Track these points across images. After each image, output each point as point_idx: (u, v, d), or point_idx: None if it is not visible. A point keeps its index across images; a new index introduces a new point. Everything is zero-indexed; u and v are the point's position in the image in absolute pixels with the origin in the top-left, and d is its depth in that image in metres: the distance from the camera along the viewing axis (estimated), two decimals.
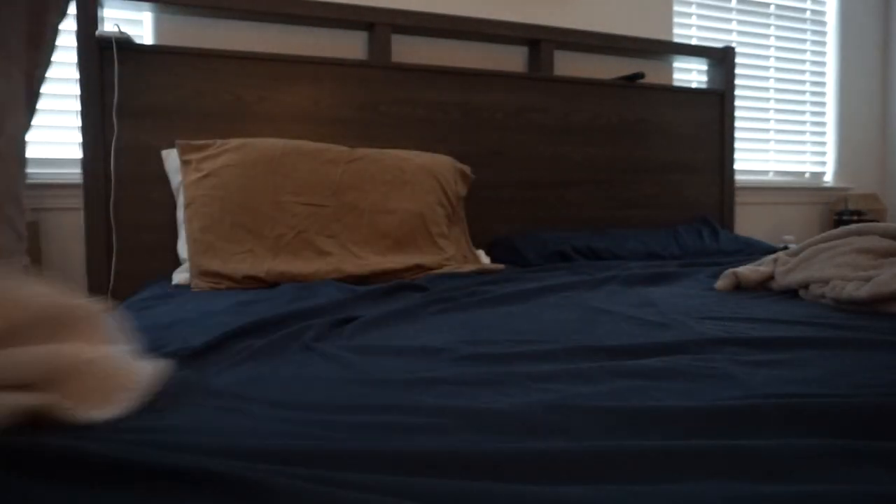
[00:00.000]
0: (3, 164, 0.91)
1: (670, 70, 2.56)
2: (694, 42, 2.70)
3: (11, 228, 0.93)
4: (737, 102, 2.61)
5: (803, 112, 3.04)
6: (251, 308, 1.16)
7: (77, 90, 1.65)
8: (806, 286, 1.26)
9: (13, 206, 0.94)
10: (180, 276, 1.51)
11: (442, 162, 1.84)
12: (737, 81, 2.60)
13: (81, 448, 0.46)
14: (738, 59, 2.61)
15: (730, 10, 2.82)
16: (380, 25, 1.97)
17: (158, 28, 1.85)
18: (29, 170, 1.70)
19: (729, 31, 2.82)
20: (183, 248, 1.59)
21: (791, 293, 1.30)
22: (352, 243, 1.58)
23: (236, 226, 1.51)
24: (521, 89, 2.16)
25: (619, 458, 0.47)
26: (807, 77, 3.04)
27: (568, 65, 2.32)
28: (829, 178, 3.10)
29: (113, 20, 1.79)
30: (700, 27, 2.74)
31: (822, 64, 3.07)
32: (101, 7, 1.70)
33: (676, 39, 2.62)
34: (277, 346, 0.87)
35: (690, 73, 2.66)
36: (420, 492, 0.42)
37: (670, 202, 2.41)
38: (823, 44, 3.06)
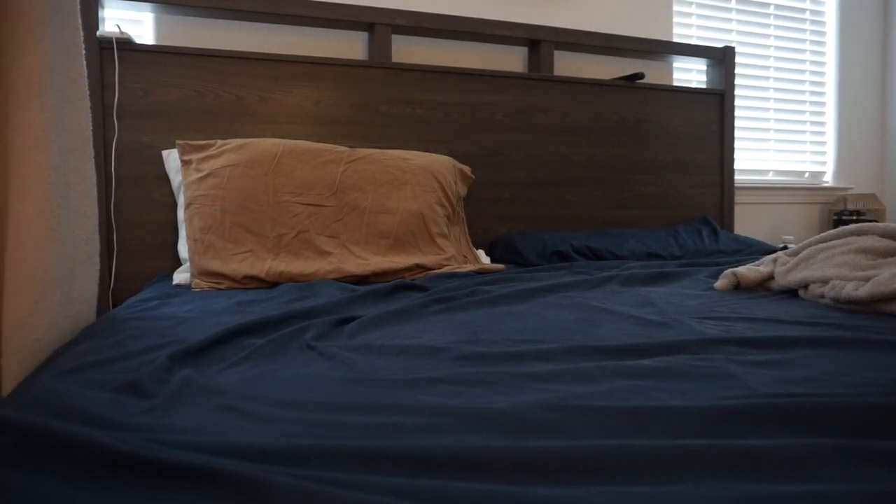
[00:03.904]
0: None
1: (670, 70, 2.57)
2: (694, 42, 2.70)
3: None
4: (737, 102, 2.61)
5: (803, 112, 3.04)
6: (251, 308, 1.16)
7: None
8: (805, 286, 1.26)
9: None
10: (181, 276, 1.51)
11: (442, 162, 1.84)
12: (737, 81, 2.61)
13: (85, 439, 0.47)
14: (737, 59, 2.62)
15: (730, 10, 2.82)
16: (380, 25, 1.97)
17: (158, 28, 1.85)
18: None
19: (729, 31, 2.82)
20: (183, 248, 1.59)
21: (790, 293, 1.30)
22: (352, 243, 1.58)
23: (236, 226, 1.51)
24: (521, 89, 2.16)
25: (619, 458, 0.47)
26: (806, 77, 3.04)
27: (568, 65, 2.32)
28: (828, 178, 3.10)
29: (113, 20, 1.79)
30: (700, 27, 2.74)
31: (822, 64, 3.07)
32: (102, 7, 1.70)
33: (676, 39, 2.62)
34: (278, 346, 0.88)
35: (690, 73, 2.66)
36: (420, 492, 0.42)
37: (670, 202, 2.42)
38: (823, 44, 3.06)
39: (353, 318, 1.04)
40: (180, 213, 1.61)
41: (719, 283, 1.39)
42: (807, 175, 3.07)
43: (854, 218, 2.80)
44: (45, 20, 0.90)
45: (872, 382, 0.66)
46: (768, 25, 2.92)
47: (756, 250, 2.08)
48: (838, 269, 1.19)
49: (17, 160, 0.88)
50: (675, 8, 2.64)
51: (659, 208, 2.40)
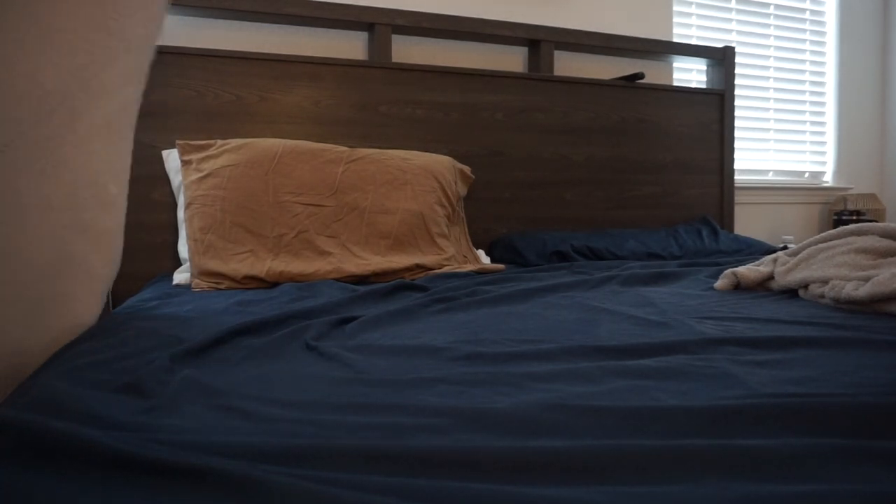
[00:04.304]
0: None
1: (670, 70, 2.57)
2: (694, 42, 2.70)
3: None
4: (737, 102, 2.61)
5: (803, 112, 3.04)
6: (251, 308, 1.16)
7: None
8: (805, 286, 1.26)
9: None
10: (181, 276, 1.51)
11: (442, 162, 1.84)
12: (737, 81, 2.60)
13: (85, 439, 0.47)
14: (737, 59, 2.62)
15: (730, 10, 2.82)
16: (380, 25, 1.97)
17: None
18: None
19: (729, 31, 2.82)
20: (183, 248, 1.59)
21: (790, 293, 1.30)
22: (352, 243, 1.58)
23: (236, 226, 1.51)
24: (521, 89, 2.16)
25: (619, 458, 0.47)
26: (806, 77, 3.04)
27: (568, 65, 2.32)
28: (828, 178, 3.10)
29: None
30: (700, 27, 2.74)
31: (822, 64, 3.07)
32: None
33: (676, 39, 2.62)
34: (278, 346, 0.88)
35: (690, 73, 2.66)
36: (419, 492, 0.42)
37: (670, 202, 2.42)
38: (823, 44, 3.06)
39: (353, 318, 1.04)
40: (180, 213, 1.61)
41: (719, 283, 1.39)
42: (807, 175, 3.07)
43: (854, 218, 2.80)
44: None
45: (872, 382, 0.66)
46: (768, 25, 2.92)
47: (756, 250, 2.08)
48: (838, 269, 1.19)
49: (118, 157, 0.88)
50: (675, 8, 2.64)
51: (659, 208, 2.39)
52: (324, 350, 0.84)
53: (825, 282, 1.20)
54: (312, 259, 1.52)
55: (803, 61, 3.02)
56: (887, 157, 3.18)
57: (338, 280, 1.46)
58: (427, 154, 1.85)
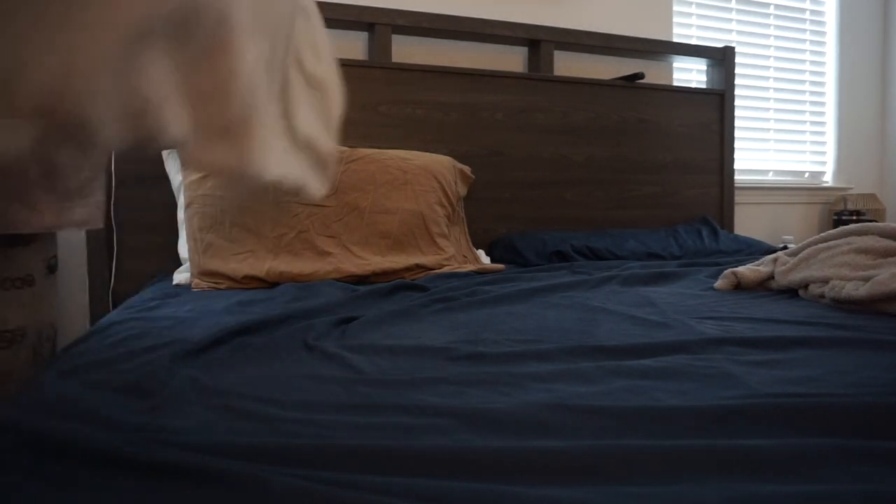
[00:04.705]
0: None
1: (670, 70, 2.56)
2: (694, 42, 2.70)
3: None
4: (737, 102, 2.61)
5: (803, 112, 3.04)
6: (251, 308, 1.16)
7: None
8: (805, 286, 1.26)
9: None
10: (181, 276, 1.51)
11: (442, 162, 1.84)
12: (737, 81, 2.60)
13: (85, 439, 0.47)
14: (737, 59, 2.61)
15: (730, 10, 2.82)
16: (380, 25, 1.97)
17: None
18: None
19: (729, 31, 2.82)
20: (183, 248, 1.59)
21: (790, 293, 1.30)
22: (352, 243, 1.58)
23: (236, 226, 1.51)
24: (521, 89, 2.15)
25: (619, 459, 0.47)
26: (806, 77, 3.03)
27: (568, 65, 2.32)
28: (828, 178, 3.10)
29: None
30: (700, 27, 2.74)
31: (822, 64, 3.07)
32: None
33: (676, 39, 2.62)
34: (278, 346, 0.87)
35: (690, 73, 2.66)
36: (420, 492, 0.42)
37: (670, 202, 2.41)
38: (823, 44, 3.06)
39: (354, 318, 1.04)
40: (180, 213, 1.61)
41: (719, 283, 1.39)
42: (807, 175, 3.06)
43: (854, 218, 2.79)
44: None
45: (872, 382, 0.66)
46: (768, 25, 2.91)
47: (756, 250, 2.07)
48: (838, 269, 1.19)
49: None
50: (675, 8, 2.64)
51: (659, 208, 2.39)
52: (324, 350, 0.84)
53: (825, 282, 1.20)
54: (312, 259, 1.52)
55: (803, 61, 3.02)
56: (887, 157, 3.18)
57: (338, 280, 1.46)
58: (427, 154, 1.85)
